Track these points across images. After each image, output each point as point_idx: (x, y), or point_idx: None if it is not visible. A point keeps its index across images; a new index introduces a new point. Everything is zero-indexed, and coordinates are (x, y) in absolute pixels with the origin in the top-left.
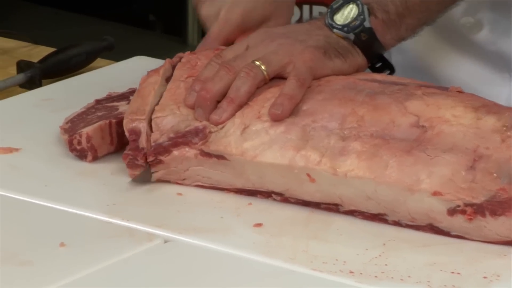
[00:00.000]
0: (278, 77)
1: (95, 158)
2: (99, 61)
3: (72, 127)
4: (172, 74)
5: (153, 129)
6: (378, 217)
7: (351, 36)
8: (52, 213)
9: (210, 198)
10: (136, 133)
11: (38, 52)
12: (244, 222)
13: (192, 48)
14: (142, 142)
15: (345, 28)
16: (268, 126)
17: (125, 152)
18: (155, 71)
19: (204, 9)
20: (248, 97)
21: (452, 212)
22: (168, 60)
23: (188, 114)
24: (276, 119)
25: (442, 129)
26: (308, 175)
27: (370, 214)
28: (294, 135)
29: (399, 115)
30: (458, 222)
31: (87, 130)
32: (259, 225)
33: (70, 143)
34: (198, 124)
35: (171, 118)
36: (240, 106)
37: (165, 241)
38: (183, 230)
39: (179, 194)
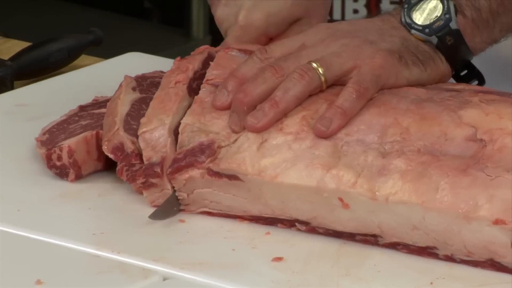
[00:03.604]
0: (337, 85)
1: (79, 177)
2: (83, 58)
3: (50, 139)
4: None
5: (143, 147)
6: (426, 251)
7: (434, 39)
8: (26, 243)
9: (219, 226)
10: (119, 148)
11: (9, 48)
12: (260, 255)
13: (197, 42)
14: (129, 146)
15: (427, 30)
16: (291, 140)
17: (118, 167)
18: (118, 88)
19: (220, 9)
20: (296, 103)
21: None
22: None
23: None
24: (321, 137)
25: (504, 143)
26: (341, 199)
27: (416, 248)
28: (323, 150)
29: (452, 126)
30: None
31: (69, 143)
32: (279, 259)
33: (49, 159)
34: (203, 139)
35: (162, 130)
36: (284, 113)
37: (164, 279)
38: (186, 265)
39: (181, 221)
